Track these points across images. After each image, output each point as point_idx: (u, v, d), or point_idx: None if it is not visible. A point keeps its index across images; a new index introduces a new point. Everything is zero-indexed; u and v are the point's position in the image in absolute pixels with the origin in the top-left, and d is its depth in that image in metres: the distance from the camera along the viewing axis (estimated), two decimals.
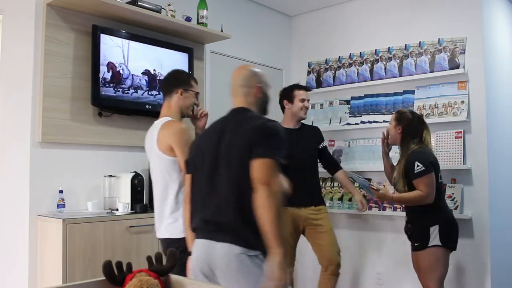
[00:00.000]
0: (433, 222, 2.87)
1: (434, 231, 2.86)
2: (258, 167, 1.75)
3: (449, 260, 2.96)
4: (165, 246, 2.41)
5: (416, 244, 2.93)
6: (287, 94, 3.49)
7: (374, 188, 3.03)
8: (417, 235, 2.93)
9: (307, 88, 3.59)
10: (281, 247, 1.72)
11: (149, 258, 1.55)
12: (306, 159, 3.40)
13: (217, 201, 1.82)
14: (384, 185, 3.05)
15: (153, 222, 2.97)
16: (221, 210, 1.81)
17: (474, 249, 3.51)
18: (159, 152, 2.37)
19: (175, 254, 1.53)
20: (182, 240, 2.25)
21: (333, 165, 3.63)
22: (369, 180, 3.63)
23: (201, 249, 1.85)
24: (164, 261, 1.51)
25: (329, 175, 3.75)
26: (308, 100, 3.52)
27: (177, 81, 2.51)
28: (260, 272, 1.74)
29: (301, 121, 3.54)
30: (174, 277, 1.53)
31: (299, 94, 3.44)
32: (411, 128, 2.98)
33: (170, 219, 2.37)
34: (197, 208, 1.92)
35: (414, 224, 2.96)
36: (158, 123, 2.44)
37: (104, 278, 1.46)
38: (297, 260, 3.64)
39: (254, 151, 1.76)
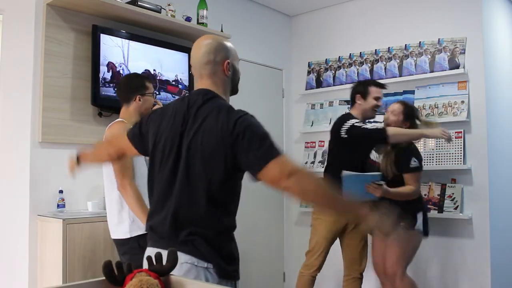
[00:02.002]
0: (419, 208, 3.00)
1: (420, 217, 2.97)
2: (274, 168, 1.46)
3: (449, 260, 2.98)
4: (117, 247, 2.44)
5: (401, 224, 2.83)
6: (361, 89, 3.21)
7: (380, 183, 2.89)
8: (403, 217, 2.89)
9: (382, 86, 3.25)
10: (361, 207, 1.54)
11: (149, 258, 1.55)
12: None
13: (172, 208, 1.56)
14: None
15: None
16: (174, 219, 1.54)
17: (474, 249, 3.51)
18: None
19: (175, 254, 1.53)
20: (132, 240, 2.30)
21: None
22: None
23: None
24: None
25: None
26: (381, 99, 3.22)
27: (132, 88, 2.49)
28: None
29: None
30: (174, 277, 1.53)
31: (375, 91, 3.17)
32: (414, 124, 3.08)
33: (116, 220, 2.39)
34: (153, 208, 1.65)
35: (402, 208, 2.87)
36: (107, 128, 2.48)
37: (104, 278, 1.45)
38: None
39: (251, 159, 1.48)
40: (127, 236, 2.33)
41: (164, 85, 3.36)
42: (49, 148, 2.90)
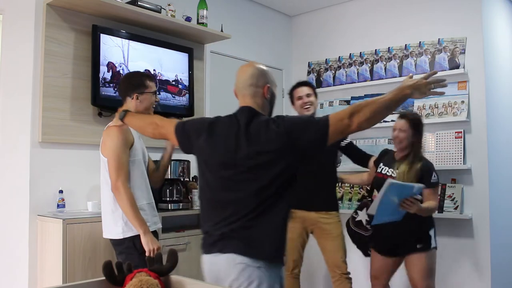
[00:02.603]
0: (431, 225, 2.90)
1: (432, 234, 2.88)
2: (335, 124, 1.74)
3: (449, 260, 2.98)
4: (113, 246, 2.46)
5: (418, 246, 2.85)
6: (290, 95, 3.35)
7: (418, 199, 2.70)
8: (418, 237, 2.86)
9: (304, 83, 3.31)
10: (402, 89, 1.84)
11: (149, 258, 1.55)
12: (323, 162, 3.16)
13: (241, 213, 1.72)
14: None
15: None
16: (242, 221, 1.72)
17: (474, 249, 3.51)
18: (100, 154, 2.42)
19: (175, 254, 1.53)
20: (126, 241, 2.32)
21: (364, 157, 3.35)
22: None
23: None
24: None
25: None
26: (309, 95, 3.21)
27: (131, 85, 2.45)
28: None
29: None
30: (174, 277, 1.53)
31: (296, 92, 3.28)
32: (423, 136, 2.97)
33: (109, 220, 2.40)
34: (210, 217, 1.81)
35: (414, 227, 2.83)
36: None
37: (104, 278, 1.45)
38: (308, 263, 3.59)
39: (314, 135, 1.73)
40: (120, 237, 2.35)
41: (164, 85, 3.36)
42: (49, 148, 2.90)
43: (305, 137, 1.72)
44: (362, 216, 3.04)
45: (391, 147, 3.84)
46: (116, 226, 2.36)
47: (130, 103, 2.46)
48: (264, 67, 1.93)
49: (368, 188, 3.40)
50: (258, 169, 1.72)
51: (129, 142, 2.39)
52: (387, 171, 2.95)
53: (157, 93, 2.56)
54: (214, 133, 1.83)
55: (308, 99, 3.20)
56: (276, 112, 1.89)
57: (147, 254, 2.22)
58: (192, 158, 3.51)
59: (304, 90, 3.25)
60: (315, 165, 2.98)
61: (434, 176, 2.82)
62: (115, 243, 2.41)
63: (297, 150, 1.73)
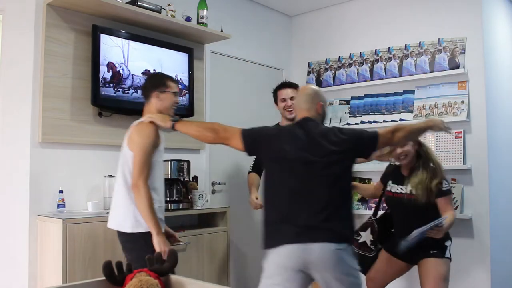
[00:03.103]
0: (448, 236, 2.83)
1: (448, 245, 2.83)
2: (383, 136, 2.24)
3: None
4: (122, 241, 2.44)
5: (432, 252, 2.78)
6: (273, 96, 3.34)
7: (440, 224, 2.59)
8: (432, 244, 2.77)
9: (288, 85, 3.26)
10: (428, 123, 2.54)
11: (149, 258, 1.55)
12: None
13: (324, 204, 2.06)
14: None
15: None
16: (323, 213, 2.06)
17: (474, 249, 3.51)
18: (125, 147, 2.42)
19: (175, 254, 1.54)
20: (139, 238, 2.33)
21: None
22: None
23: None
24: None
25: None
26: (293, 98, 3.12)
27: (152, 85, 2.52)
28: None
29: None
30: (174, 277, 1.53)
31: (280, 93, 3.25)
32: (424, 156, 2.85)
33: (122, 212, 2.39)
34: (286, 211, 2.09)
35: (432, 238, 2.69)
36: (133, 123, 2.49)
37: (104, 278, 1.46)
38: None
39: (368, 143, 2.22)
40: (129, 231, 2.35)
41: None
42: (49, 148, 2.90)
43: (363, 143, 2.21)
44: (366, 237, 2.97)
45: None
46: (126, 220, 2.36)
47: (151, 101, 2.49)
48: (318, 89, 2.40)
49: (374, 205, 3.32)
50: (332, 166, 2.10)
51: (157, 143, 2.42)
52: (397, 189, 2.87)
53: (178, 95, 2.59)
54: (286, 136, 2.20)
55: (292, 102, 3.13)
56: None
57: (155, 246, 2.24)
58: (192, 158, 3.52)
59: (289, 92, 3.20)
60: None
61: (446, 184, 2.75)
62: (126, 238, 2.39)
63: (355, 153, 2.20)
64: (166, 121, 2.39)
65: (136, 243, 2.34)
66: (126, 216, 2.35)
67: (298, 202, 2.09)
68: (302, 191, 2.10)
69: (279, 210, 2.12)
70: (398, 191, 2.87)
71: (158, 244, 2.28)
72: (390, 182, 2.95)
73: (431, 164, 2.79)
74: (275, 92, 3.31)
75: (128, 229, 2.35)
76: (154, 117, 2.41)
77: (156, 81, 2.53)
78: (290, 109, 3.15)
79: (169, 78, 2.57)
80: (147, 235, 2.30)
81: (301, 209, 2.07)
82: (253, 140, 2.23)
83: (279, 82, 3.44)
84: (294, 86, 3.29)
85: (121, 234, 2.40)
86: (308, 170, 2.10)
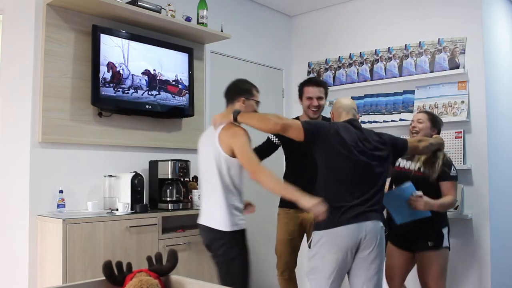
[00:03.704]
0: (444, 223, 2.90)
1: (445, 232, 2.87)
2: (412, 142, 2.72)
3: (449, 259, 2.96)
4: (211, 240, 2.53)
5: (430, 244, 2.83)
6: (300, 88, 3.15)
7: (419, 195, 2.69)
8: (430, 235, 2.84)
9: (318, 83, 3.10)
10: None
11: (149, 258, 1.55)
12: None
13: (374, 191, 2.41)
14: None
15: (152, 222, 2.98)
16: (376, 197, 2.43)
17: (474, 249, 3.51)
18: (221, 152, 2.46)
19: (175, 254, 1.54)
20: (230, 233, 2.42)
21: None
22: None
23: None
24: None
25: None
26: (320, 98, 3.05)
27: (240, 90, 2.61)
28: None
29: None
30: (174, 277, 1.54)
31: (307, 90, 3.07)
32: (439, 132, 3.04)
33: (220, 212, 2.46)
34: (350, 193, 2.38)
35: (426, 224, 2.79)
36: (217, 130, 2.53)
37: (104, 278, 1.46)
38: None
39: (401, 145, 2.62)
40: (228, 229, 2.42)
41: (164, 85, 3.36)
42: (49, 148, 2.90)
43: (398, 148, 2.59)
44: None
45: None
46: (223, 218, 2.42)
47: (235, 106, 2.57)
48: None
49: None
50: (380, 159, 2.44)
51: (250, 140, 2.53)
52: (406, 165, 2.98)
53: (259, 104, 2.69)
54: (343, 129, 2.45)
55: (318, 102, 3.05)
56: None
57: (312, 209, 2.29)
58: (192, 158, 3.52)
59: (316, 92, 3.06)
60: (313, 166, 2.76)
61: (454, 170, 2.85)
62: (219, 235, 2.44)
63: (393, 156, 2.56)
64: (229, 116, 2.50)
65: (226, 239, 2.43)
66: (223, 216, 2.43)
67: (356, 187, 2.37)
68: (360, 178, 2.39)
69: (339, 194, 2.38)
70: (406, 167, 2.96)
71: (307, 203, 2.29)
72: (399, 158, 2.97)
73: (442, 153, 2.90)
74: (302, 87, 3.13)
75: (228, 228, 2.42)
76: (219, 120, 2.52)
77: (244, 87, 2.63)
78: (315, 109, 3.06)
79: (255, 87, 2.69)
80: (237, 233, 2.44)
81: (358, 194, 2.37)
82: (315, 130, 2.44)
83: (279, 83, 3.38)
84: (322, 84, 3.13)
85: (213, 231, 2.46)
86: (364, 160, 2.39)
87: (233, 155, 2.42)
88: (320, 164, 2.47)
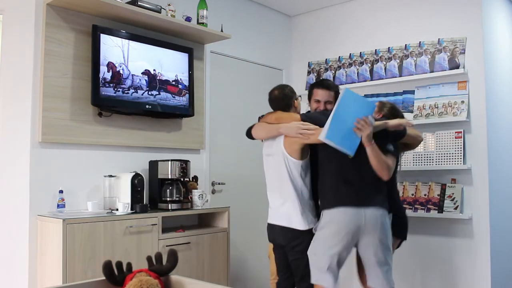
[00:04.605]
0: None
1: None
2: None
3: (449, 260, 2.96)
4: (288, 238, 2.68)
5: None
6: (308, 91, 3.04)
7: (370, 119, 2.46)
8: None
9: (326, 86, 2.93)
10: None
11: (149, 258, 1.55)
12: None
13: (369, 182, 2.52)
14: None
15: (152, 222, 2.98)
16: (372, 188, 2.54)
17: (474, 249, 3.51)
18: (291, 158, 2.64)
19: (175, 254, 1.54)
20: (308, 231, 2.61)
21: None
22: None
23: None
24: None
25: None
26: (328, 103, 2.88)
27: (293, 94, 2.81)
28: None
29: None
30: (174, 277, 1.54)
31: (316, 93, 2.93)
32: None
33: (298, 213, 2.65)
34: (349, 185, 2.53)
35: None
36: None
37: (104, 278, 1.46)
38: None
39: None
40: (306, 228, 2.60)
41: (164, 85, 3.36)
42: (49, 148, 2.90)
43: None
44: None
45: None
46: (301, 218, 2.60)
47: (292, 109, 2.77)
48: None
49: None
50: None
51: None
52: None
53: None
54: None
55: (326, 106, 2.88)
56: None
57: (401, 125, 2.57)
58: (192, 158, 3.52)
59: (325, 96, 2.89)
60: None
61: (390, 145, 2.63)
62: (296, 234, 2.61)
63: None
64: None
65: (304, 235, 2.59)
66: (301, 215, 2.61)
67: (354, 175, 2.51)
68: (357, 168, 2.51)
69: (341, 179, 2.53)
70: None
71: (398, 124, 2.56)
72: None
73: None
74: (312, 88, 3.00)
75: (306, 226, 2.60)
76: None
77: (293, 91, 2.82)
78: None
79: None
80: (310, 232, 2.59)
81: (356, 180, 2.51)
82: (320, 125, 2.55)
83: (279, 83, 3.34)
84: (333, 88, 2.94)
85: (291, 231, 2.63)
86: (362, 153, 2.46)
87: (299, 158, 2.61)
88: (322, 158, 2.62)
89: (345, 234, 2.46)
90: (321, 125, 2.49)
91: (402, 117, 2.87)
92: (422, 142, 3.66)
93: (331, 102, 2.87)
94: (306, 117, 2.68)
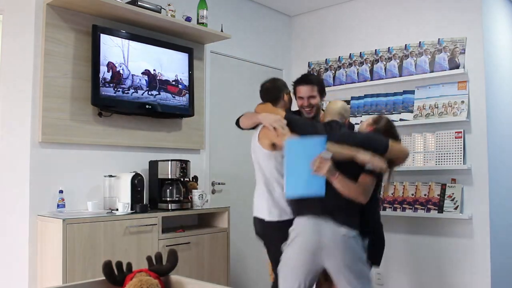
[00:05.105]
0: (364, 233, 2.53)
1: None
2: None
3: (449, 260, 2.95)
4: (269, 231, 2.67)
5: None
6: (294, 89, 2.90)
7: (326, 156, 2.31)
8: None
9: (305, 81, 2.81)
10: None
11: (149, 258, 1.55)
12: None
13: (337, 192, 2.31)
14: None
15: (152, 222, 2.98)
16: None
17: (474, 249, 3.51)
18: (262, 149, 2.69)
19: (175, 254, 1.53)
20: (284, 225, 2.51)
21: None
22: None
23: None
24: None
25: None
26: (312, 97, 2.77)
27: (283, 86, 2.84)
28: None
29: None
30: (174, 277, 1.54)
31: (298, 90, 2.83)
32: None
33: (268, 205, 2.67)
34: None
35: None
36: None
37: (104, 278, 1.46)
38: None
39: None
40: (270, 219, 2.59)
41: (164, 85, 3.36)
42: (49, 148, 2.90)
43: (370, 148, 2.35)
44: None
45: None
46: (266, 208, 2.61)
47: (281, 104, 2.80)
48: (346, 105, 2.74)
49: None
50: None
51: None
52: None
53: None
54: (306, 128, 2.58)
55: (309, 101, 2.77)
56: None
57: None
58: (192, 158, 3.52)
59: (307, 91, 2.77)
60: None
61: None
62: (261, 224, 2.64)
63: None
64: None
65: (267, 229, 2.61)
66: (265, 206, 2.63)
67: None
68: None
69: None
70: None
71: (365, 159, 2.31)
72: None
73: None
74: (294, 87, 2.87)
75: (265, 217, 2.61)
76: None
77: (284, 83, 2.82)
78: (308, 109, 2.79)
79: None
80: (275, 224, 2.57)
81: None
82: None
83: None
84: (314, 82, 2.81)
85: (259, 221, 2.67)
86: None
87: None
88: None
89: (307, 253, 2.26)
90: (301, 133, 2.46)
91: (397, 136, 2.67)
92: (422, 142, 3.68)
93: (314, 97, 2.77)
94: (289, 118, 2.57)
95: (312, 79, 2.87)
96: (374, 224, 2.64)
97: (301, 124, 2.58)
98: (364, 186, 2.31)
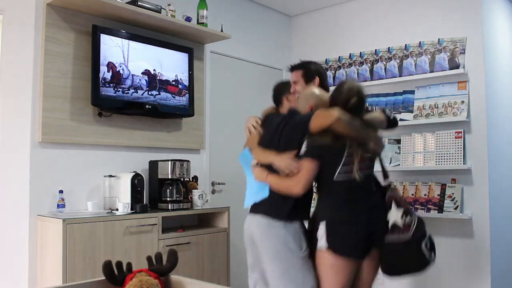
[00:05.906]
0: (323, 216, 2.30)
1: (322, 228, 2.25)
2: None
3: (449, 260, 2.95)
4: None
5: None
6: None
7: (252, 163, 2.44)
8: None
9: (291, 68, 2.69)
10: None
11: (149, 258, 1.55)
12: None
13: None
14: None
15: (152, 222, 2.98)
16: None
17: (474, 249, 3.51)
18: None
19: (175, 254, 1.54)
20: None
21: None
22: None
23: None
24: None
25: None
26: (296, 83, 2.60)
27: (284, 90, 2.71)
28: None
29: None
30: (174, 277, 1.54)
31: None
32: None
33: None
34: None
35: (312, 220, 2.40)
36: None
37: (104, 278, 1.46)
38: None
39: None
40: None
41: (164, 85, 3.36)
42: (49, 148, 2.90)
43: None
44: (395, 215, 2.26)
45: (391, 147, 3.86)
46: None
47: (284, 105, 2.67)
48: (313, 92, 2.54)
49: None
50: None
51: None
52: None
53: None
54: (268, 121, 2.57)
55: (294, 87, 2.60)
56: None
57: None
58: (192, 158, 3.52)
59: (292, 77, 2.64)
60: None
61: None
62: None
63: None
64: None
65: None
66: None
67: None
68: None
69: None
70: None
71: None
72: None
73: None
74: None
75: None
76: None
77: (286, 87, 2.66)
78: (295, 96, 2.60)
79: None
80: None
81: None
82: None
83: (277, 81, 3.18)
84: (297, 67, 2.67)
85: None
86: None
87: None
88: None
89: (248, 246, 2.46)
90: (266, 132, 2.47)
91: (360, 108, 2.34)
92: (422, 142, 3.67)
93: (296, 82, 2.60)
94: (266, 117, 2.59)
95: (296, 64, 2.70)
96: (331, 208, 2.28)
97: (268, 121, 2.54)
98: (297, 179, 2.20)
